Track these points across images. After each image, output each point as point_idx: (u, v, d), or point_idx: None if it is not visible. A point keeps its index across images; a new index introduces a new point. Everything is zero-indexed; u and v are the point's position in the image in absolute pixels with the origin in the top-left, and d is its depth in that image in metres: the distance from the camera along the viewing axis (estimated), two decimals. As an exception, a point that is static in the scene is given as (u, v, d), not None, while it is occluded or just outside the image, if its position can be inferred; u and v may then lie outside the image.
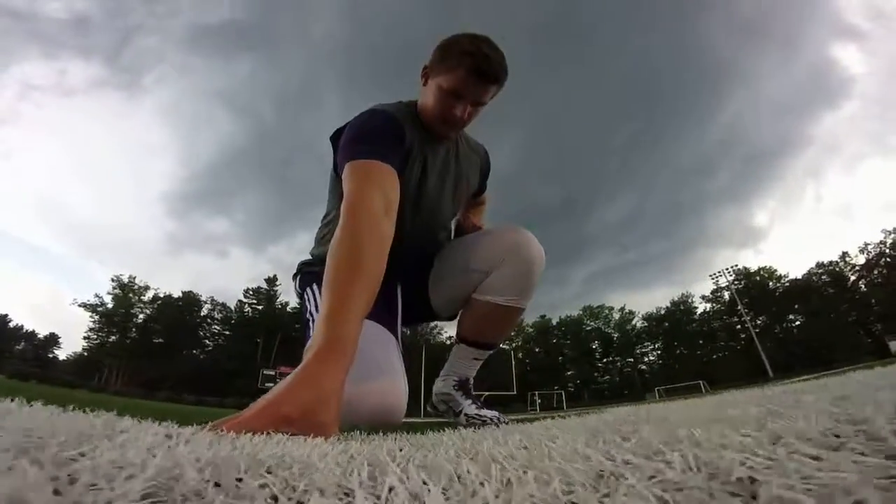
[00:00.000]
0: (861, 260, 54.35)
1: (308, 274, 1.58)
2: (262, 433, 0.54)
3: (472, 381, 1.62)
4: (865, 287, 52.62)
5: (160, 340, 58.59)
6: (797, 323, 56.01)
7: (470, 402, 1.55)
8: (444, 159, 1.48)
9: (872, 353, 39.61)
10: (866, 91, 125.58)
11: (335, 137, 1.38)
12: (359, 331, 0.81)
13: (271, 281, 68.10)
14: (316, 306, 1.40)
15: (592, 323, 74.19)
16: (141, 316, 60.27)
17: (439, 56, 1.29)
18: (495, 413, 1.50)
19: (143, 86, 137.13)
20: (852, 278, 54.48)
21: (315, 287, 1.45)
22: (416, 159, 1.38)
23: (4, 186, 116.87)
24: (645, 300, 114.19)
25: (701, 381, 42.58)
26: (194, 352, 61.72)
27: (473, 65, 1.23)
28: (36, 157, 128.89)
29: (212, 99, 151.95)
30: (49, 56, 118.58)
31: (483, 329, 1.56)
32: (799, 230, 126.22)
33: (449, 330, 73.72)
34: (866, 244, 54.19)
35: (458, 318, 1.65)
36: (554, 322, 76.29)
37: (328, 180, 1.54)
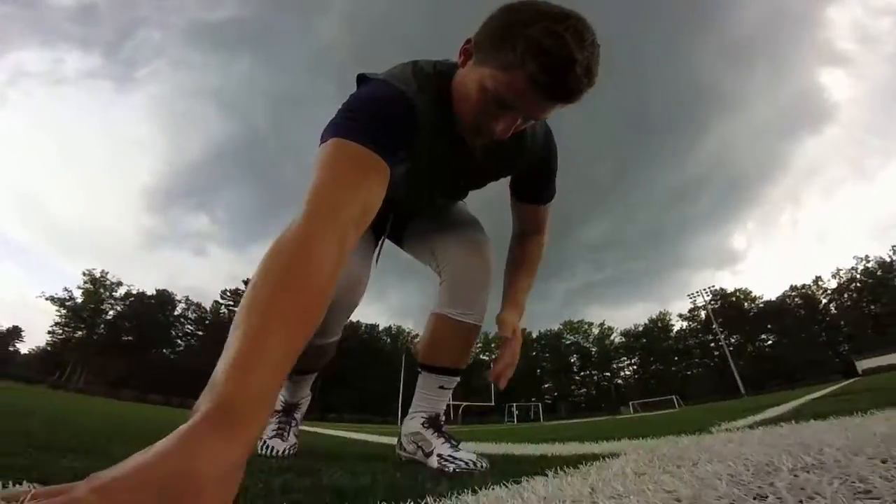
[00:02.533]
0: (833, 284, 56.30)
1: None
2: None
3: (443, 418, 1.44)
4: (836, 310, 54.30)
5: (129, 338, 56.89)
6: (769, 342, 57.63)
7: (443, 440, 1.33)
8: (460, 155, 1.10)
9: (840, 371, 41.04)
10: (850, 117, 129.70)
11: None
12: (276, 392, 0.53)
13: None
14: None
15: (572, 337, 75.09)
16: (111, 312, 58.41)
17: (497, 35, 0.84)
18: (473, 455, 1.24)
19: (135, 79, 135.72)
20: (824, 301, 56.36)
21: None
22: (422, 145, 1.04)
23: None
24: (624, 315, 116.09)
25: (674, 396, 43.08)
26: (164, 351, 60.15)
27: (542, 74, 0.78)
28: (15, 143, 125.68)
29: (204, 96, 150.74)
30: (47, 45, 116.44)
31: (443, 349, 1.44)
32: (775, 253, 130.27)
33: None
34: (839, 269, 56.13)
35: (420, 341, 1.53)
36: (534, 335, 76.76)
37: None
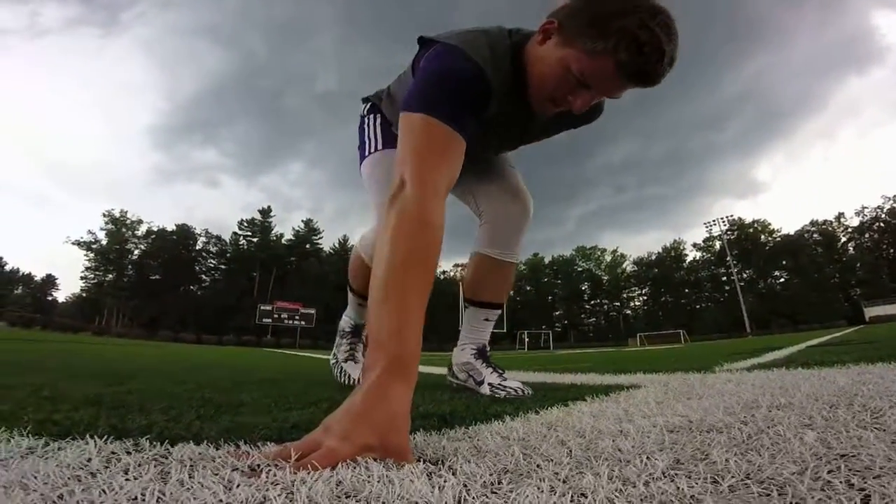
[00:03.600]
0: (855, 222, 54.62)
1: (375, 106, 1.59)
2: (351, 463, 0.52)
3: (488, 347, 1.65)
4: (854, 250, 53.34)
5: (157, 277, 59.20)
6: (781, 280, 57.30)
7: (491, 370, 1.54)
8: (526, 119, 1.23)
9: (848, 317, 41.00)
10: None
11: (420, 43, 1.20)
12: (420, 344, 0.75)
13: (265, 212, 67.64)
14: (374, 133, 1.53)
15: (584, 264, 75.17)
16: (136, 252, 60.24)
17: (586, 20, 0.91)
18: (519, 384, 1.45)
19: (120, 22, 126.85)
20: (843, 239, 55.06)
21: (377, 118, 1.55)
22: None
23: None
24: (638, 242, 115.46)
25: (681, 331, 44.05)
26: (191, 287, 62.71)
27: (632, 63, 0.88)
28: (9, 99, 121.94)
29: (197, 33, 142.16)
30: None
31: (485, 285, 1.62)
32: (801, 186, 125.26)
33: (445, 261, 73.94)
34: (864, 207, 54.28)
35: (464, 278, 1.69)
36: (546, 260, 77.16)
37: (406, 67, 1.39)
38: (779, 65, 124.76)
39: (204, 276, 64.66)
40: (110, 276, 57.20)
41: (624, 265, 73.76)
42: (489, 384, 1.47)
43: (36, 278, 72.89)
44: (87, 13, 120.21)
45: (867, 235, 53.05)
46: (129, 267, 58.75)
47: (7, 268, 70.99)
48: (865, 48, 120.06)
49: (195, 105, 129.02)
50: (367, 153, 1.52)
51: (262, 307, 47.80)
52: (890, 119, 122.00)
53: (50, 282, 73.05)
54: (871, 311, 36.13)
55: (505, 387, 1.42)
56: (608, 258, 75.22)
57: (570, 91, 0.98)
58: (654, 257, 70.24)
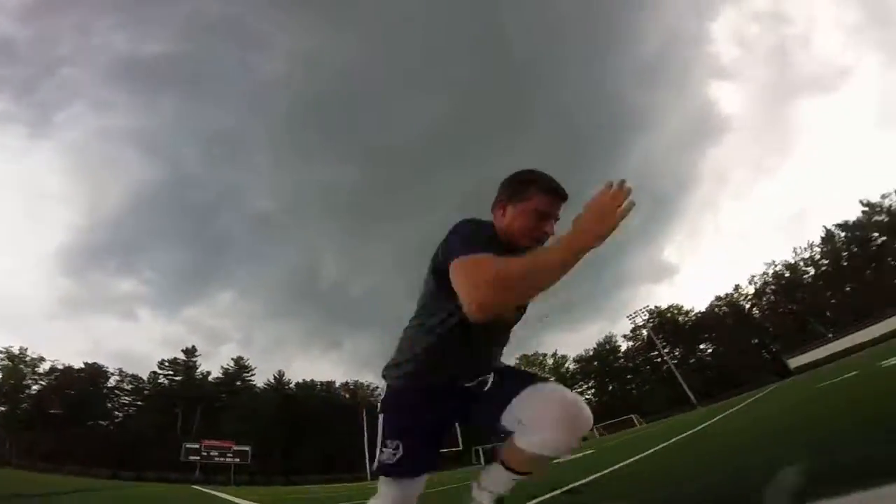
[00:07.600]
0: (751, 290, 61.90)
1: (385, 400, 1.76)
2: None
3: (504, 500, 1.78)
4: (759, 313, 59.70)
5: (57, 411, 50.41)
6: (709, 351, 61.46)
7: None
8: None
9: (774, 371, 44.09)
10: (744, 121, 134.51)
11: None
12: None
13: (190, 351, 62.44)
14: (383, 434, 1.64)
15: (530, 370, 74.86)
16: (35, 387, 52.13)
17: (519, 188, 1.52)
18: None
19: (53, 123, 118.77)
20: (747, 307, 61.63)
21: (384, 416, 1.69)
22: None
23: None
24: (576, 340, 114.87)
25: (633, 416, 44.65)
26: (101, 422, 53.88)
27: (554, 190, 1.51)
28: None
29: (126, 138, 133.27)
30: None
31: (530, 466, 1.70)
32: (704, 263, 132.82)
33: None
34: (752, 276, 62.31)
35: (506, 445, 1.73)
36: (491, 373, 76.32)
37: (422, 284, 1.64)
38: (655, 148, 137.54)
39: (117, 412, 56.22)
40: (2, 408, 48.39)
41: (566, 364, 75.12)
42: None
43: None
44: (18, 109, 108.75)
45: (764, 299, 59.86)
46: (25, 402, 50.22)
47: None
48: (713, 120, 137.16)
49: (116, 223, 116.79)
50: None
51: (187, 445, 42.37)
52: (755, 177, 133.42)
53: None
54: (794, 362, 38.01)
55: None
56: (550, 361, 76.50)
57: (542, 225, 1.49)
58: (591, 352, 72.61)
